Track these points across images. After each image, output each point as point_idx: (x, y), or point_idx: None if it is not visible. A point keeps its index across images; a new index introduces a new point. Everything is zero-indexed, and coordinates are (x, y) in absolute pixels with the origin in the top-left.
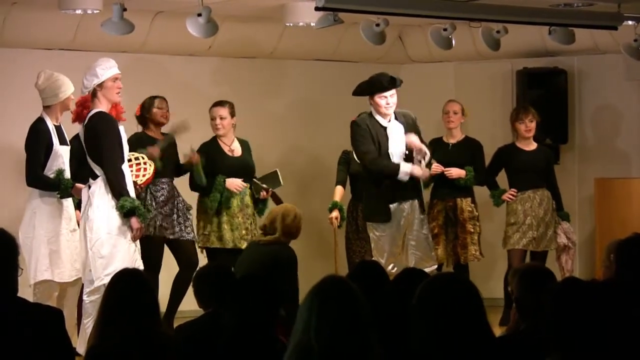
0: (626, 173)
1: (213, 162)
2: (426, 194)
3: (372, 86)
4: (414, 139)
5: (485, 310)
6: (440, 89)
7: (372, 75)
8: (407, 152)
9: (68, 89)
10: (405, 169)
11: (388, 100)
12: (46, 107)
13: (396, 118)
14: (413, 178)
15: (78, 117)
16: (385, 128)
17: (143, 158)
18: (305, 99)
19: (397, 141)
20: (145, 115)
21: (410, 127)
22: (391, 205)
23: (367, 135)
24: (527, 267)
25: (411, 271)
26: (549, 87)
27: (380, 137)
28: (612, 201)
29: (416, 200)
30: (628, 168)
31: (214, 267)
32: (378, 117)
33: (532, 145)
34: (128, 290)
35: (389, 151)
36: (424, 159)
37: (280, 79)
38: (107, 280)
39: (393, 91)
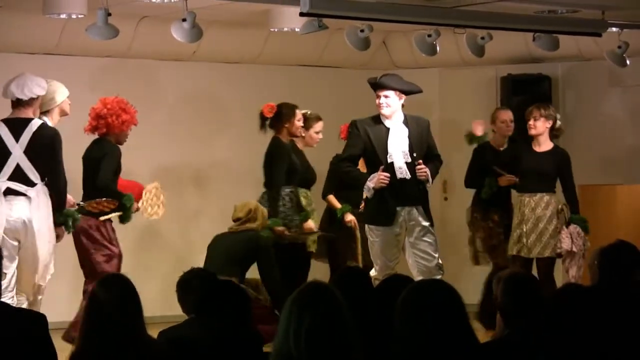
0: (611, 180)
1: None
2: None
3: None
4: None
5: (467, 316)
6: (425, 95)
7: None
8: (414, 154)
9: (64, 93)
10: (369, 184)
11: (380, 100)
12: (45, 112)
13: (406, 121)
14: (421, 183)
15: (95, 129)
16: (388, 129)
17: (159, 197)
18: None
19: (397, 143)
20: (281, 120)
21: (421, 130)
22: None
23: (354, 137)
24: (510, 273)
25: (395, 277)
26: (533, 93)
27: (378, 137)
28: (597, 208)
29: (420, 207)
30: (613, 175)
31: (196, 273)
32: (382, 118)
33: (545, 146)
34: (113, 295)
35: (388, 150)
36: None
37: (265, 84)
38: None
39: (386, 92)
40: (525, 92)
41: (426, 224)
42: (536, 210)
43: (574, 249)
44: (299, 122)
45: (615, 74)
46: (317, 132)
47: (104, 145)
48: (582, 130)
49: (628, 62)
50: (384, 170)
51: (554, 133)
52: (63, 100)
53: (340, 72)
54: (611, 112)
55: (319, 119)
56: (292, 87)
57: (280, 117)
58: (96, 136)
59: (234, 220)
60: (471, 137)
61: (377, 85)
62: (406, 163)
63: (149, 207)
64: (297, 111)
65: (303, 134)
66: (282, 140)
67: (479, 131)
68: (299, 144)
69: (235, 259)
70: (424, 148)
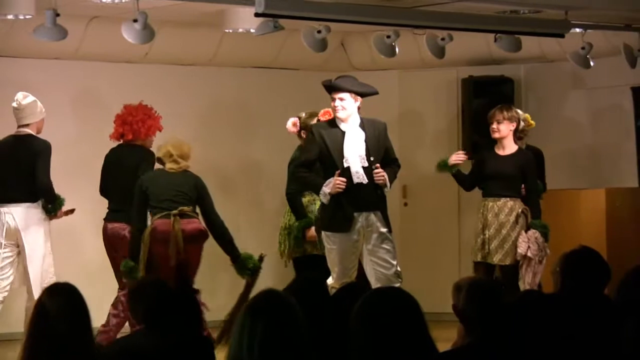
0: (575, 184)
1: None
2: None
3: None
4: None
5: (426, 325)
6: (384, 97)
7: None
8: (371, 157)
9: (42, 111)
10: (325, 189)
11: (335, 103)
12: (25, 125)
13: (363, 124)
14: (378, 188)
15: (121, 135)
16: (344, 132)
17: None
18: (244, 107)
19: (354, 147)
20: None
21: (378, 133)
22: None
23: (310, 141)
24: (472, 280)
25: (353, 286)
26: (495, 95)
27: (334, 141)
28: (561, 213)
29: (378, 213)
30: (577, 179)
31: (148, 282)
32: (337, 121)
33: (509, 149)
34: (59, 305)
35: (344, 155)
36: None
37: (219, 87)
38: None
39: (341, 94)
40: (487, 95)
41: (384, 230)
42: (499, 215)
43: (529, 254)
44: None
45: (579, 76)
46: None
47: (140, 151)
48: (545, 133)
49: (592, 63)
50: (340, 175)
51: (518, 135)
52: (43, 117)
53: (296, 74)
54: (574, 115)
55: (313, 115)
56: (247, 90)
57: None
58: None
59: (168, 157)
60: (442, 165)
61: (332, 88)
62: (363, 167)
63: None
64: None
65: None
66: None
67: (453, 160)
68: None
69: (186, 197)
70: (381, 152)
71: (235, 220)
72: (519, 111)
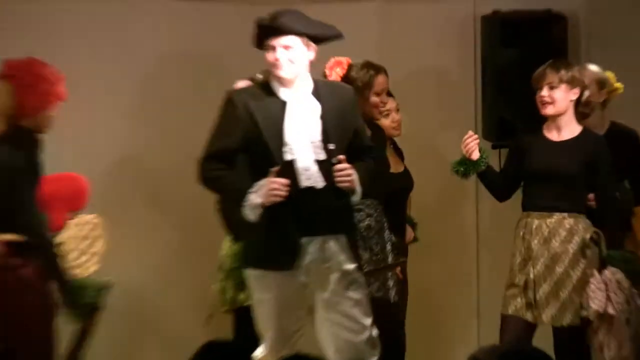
0: None
1: None
2: None
3: (256, 34)
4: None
5: None
6: (355, 44)
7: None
8: (330, 145)
9: None
10: (254, 198)
11: (277, 54)
12: None
13: (317, 90)
14: (342, 195)
15: None
16: (285, 104)
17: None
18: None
19: (302, 127)
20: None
21: (343, 106)
22: (286, 242)
23: (228, 119)
24: (503, 350)
25: None
26: (537, 43)
27: (269, 119)
28: None
29: (341, 238)
30: None
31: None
32: (274, 85)
33: (567, 132)
34: None
35: (286, 140)
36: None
37: (135, 22)
38: None
39: (287, 39)
40: (523, 42)
41: (351, 267)
42: (552, 242)
43: (611, 311)
44: None
45: None
46: None
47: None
48: (624, 104)
49: None
50: (279, 174)
51: (581, 111)
52: None
53: (212, 6)
54: None
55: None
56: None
57: None
58: None
59: None
60: (465, 165)
61: (274, 30)
62: (317, 162)
63: (77, 251)
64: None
65: None
66: None
67: (475, 154)
68: None
69: None
70: (346, 135)
71: (169, 241)
72: (592, 67)
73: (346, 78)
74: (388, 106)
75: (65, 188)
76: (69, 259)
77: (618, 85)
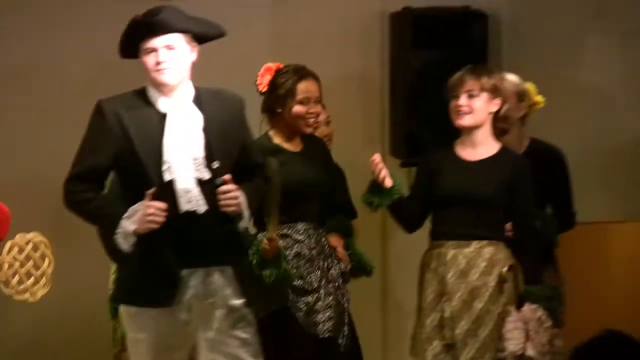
0: (610, 212)
1: None
2: None
3: (127, 37)
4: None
5: None
6: (244, 44)
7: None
8: (214, 163)
9: None
10: (127, 225)
11: (160, 57)
12: None
13: (199, 99)
14: (228, 220)
15: None
16: (164, 115)
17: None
18: None
19: (182, 142)
20: (275, 101)
21: (229, 117)
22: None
23: (97, 132)
24: None
25: None
26: (455, 44)
27: (144, 132)
28: (585, 264)
29: (227, 270)
30: (613, 203)
31: None
32: (152, 94)
33: (483, 149)
34: None
35: (165, 157)
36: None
37: None
38: None
39: (169, 39)
40: (439, 42)
41: (237, 302)
42: (469, 275)
43: (530, 353)
44: None
45: (605, 9)
46: None
47: None
48: (547, 116)
49: None
50: (156, 197)
51: (499, 126)
52: None
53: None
54: (602, 80)
55: None
56: None
57: None
58: None
59: None
60: (378, 194)
61: (155, 27)
62: (199, 182)
63: (18, 276)
64: None
65: None
66: None
67: (388, 180)
68: None
69: None
70: (233, 151)
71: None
72: (511, 77)
73: (271, 85)
74: (321, 117)
75: None
76: (11, 284)
77: (539, 98)
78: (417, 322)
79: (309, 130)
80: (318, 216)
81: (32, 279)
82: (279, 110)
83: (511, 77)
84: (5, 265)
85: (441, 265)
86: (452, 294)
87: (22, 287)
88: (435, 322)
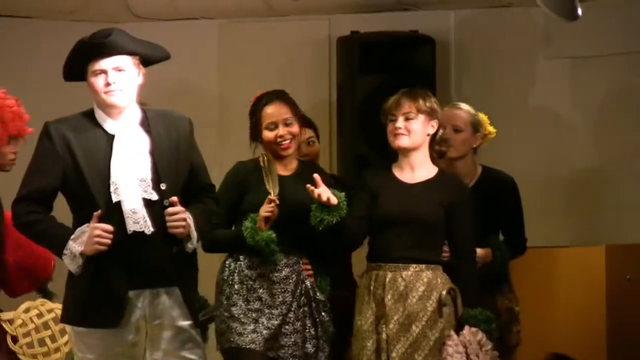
0: (554, 238)
1: None
2: None
3: (75, 58)
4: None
5: None
6: (191, 69)
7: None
8: (162, 184)
9: None
10: (74, 246)
11: (110, 78)
12: None
13: (147, 120)
14: (175, 242)
15: None
16: (112, 137)
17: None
18: None
19: (129, 163)
20: (252, 130)
21: (177, 138)
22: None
23: (45, 155)
24: None
25: None
26: (403, 70)
27: (92, 153)
28: (530, 289)
29: (175, 291)
30: (556, 229)
31: None
32: (100, 115)
33: (422, 171)
34: None
35: (112, 179)
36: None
37: None
38: None
39: (117, 61)
40: (385, 67)
41: (186, 324)
42: (407, 297)
43: None
44: None
45: (556, 34)
46: None
47: None
48: (493, 143)
49: (579, 11)
50: (103, 219)
51: (437, 149)
52: None
53: (28, 24)
54: (551, 108)
55: None
56: None
57: None
58: None
59: None
60: (328, 212)
61: (105, 48)
62: (147, 203)
63: (30, 338)
64: None
65: None
66: None
67: (333, 198)
68: None
69: None
70: (181, 172)
71: None
72: (466, 107)
73: (249, 115)
74: (303, 137)
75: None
76: (19, 342)
77: (491, 129)
78: (355, 344)
79: (285, 153)
80: (299, 240)
81: (44, 348)
82: (259, 139)
83: (465, 107)
84: (18, 321)
85: (379, 287)
86: (390, 317)
87: (31, 351)
88: (374, 345)
